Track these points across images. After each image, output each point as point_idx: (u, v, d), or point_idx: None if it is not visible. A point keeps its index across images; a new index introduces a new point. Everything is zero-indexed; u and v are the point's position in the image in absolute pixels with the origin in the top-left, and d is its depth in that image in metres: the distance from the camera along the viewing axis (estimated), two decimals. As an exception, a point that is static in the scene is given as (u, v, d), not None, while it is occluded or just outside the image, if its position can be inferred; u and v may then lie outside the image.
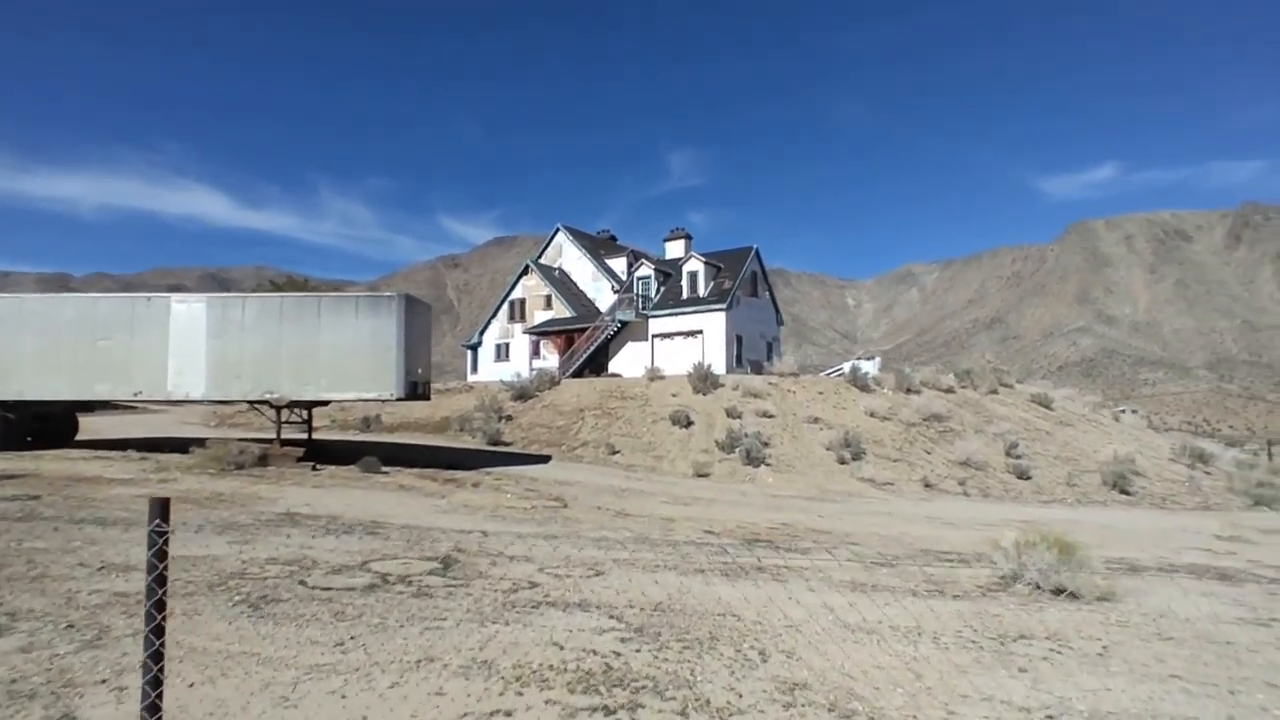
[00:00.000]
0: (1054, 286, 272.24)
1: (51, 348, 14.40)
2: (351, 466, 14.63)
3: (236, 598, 5.30)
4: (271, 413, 15.16)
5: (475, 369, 44.33)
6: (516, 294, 43.21)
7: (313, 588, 5.75)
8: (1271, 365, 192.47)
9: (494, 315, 44.36)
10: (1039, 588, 6.77)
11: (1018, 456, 21.17)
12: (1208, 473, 22.70)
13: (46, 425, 15.71)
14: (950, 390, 27.52)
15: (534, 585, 6.23)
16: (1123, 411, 33.41)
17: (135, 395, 14.57)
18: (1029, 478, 20.04)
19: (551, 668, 4.21)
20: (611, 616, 5.33)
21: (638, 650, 4.60)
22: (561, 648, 4.56)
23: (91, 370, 14.45)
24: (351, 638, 4.52)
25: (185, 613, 4.87)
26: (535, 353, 40.59)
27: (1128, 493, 19.68)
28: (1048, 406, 27.81)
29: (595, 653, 4.52)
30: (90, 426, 21.17)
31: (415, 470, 15.15)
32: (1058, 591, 6.64)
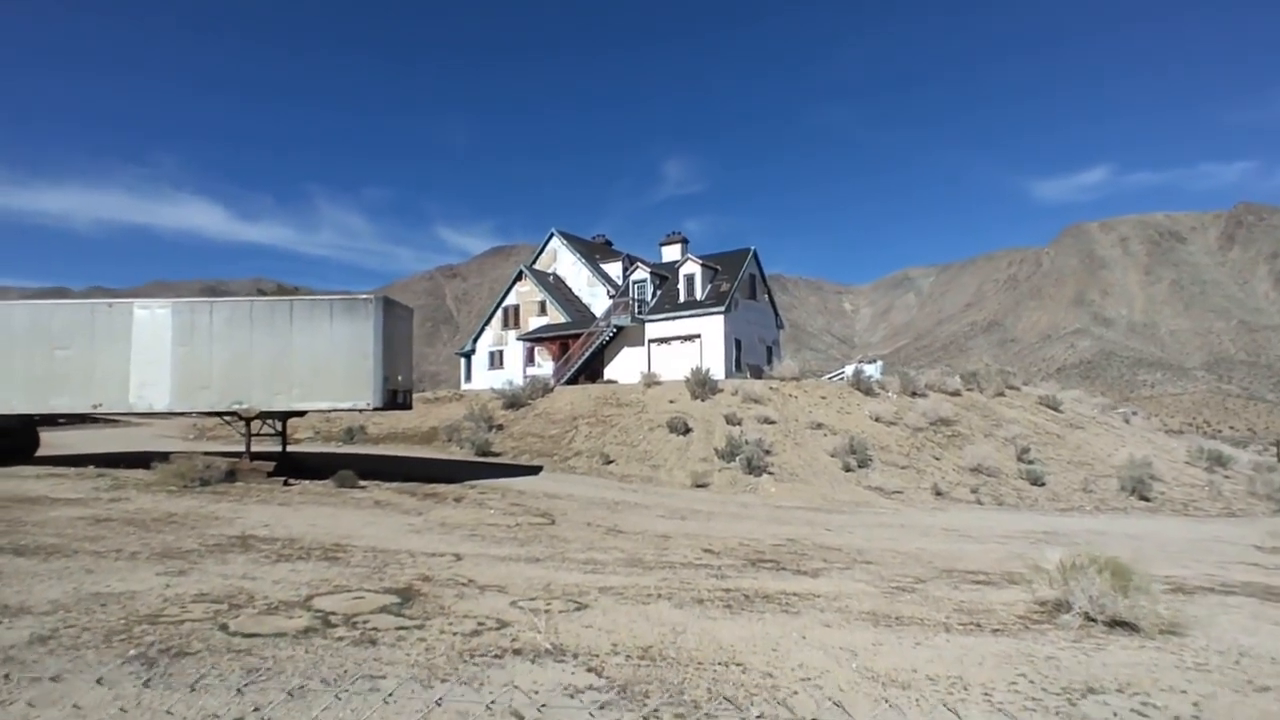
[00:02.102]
0: (1050, 289, 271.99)
1: (4, 359, 13.44)
2: (327, 481, 13.70)
3: (132, 651, 4.36)
4: (242, 425, 14.20)
5: (469, 377, 43.40)
6: (510, 300, 42.31)
7: (234, 634, 4.81)
8: (1270, 365, 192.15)
9: (487, 322, 43.45)
10: (1091, 619, 5.84)
11: (1030, 462, 20.28)
12: (1227, 476, 21.82)
13: (3, 441, 14.72)
14: (956, 393, 26.66)
15: (502, 625, 5.30)
16: (1134, 414, 32.55)
17: (95, 408, 13.61)
18: (1043, 484, 19.14)
19: (507, 749, 3.29)
20: (590, 669, 4.40)
21: None
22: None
23: (48, 382, 13.50)
24: (255, 710, 3.59)
25: (56, 674, 3.93)
26: (529, 360, 39.67)
27: (1147, 498, 18.80)
28: (1057, 409, 26.96)
29: (566, 724, 3.59)
30: (61, 441, 20.22)
31: (394, 485, 14.21)
32: (1113, 623, 5.73)
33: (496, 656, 4.56)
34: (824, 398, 25.18)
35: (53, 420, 22.92)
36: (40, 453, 15.88)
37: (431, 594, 6.19)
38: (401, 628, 5.13)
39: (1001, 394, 27.89)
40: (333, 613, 5.45)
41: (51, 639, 4.56)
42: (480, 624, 5.30)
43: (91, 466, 14.23)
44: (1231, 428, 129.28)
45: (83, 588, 5.87)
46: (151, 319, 13.40)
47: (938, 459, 20.51)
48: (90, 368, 13.38)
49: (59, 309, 13.95)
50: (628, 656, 4.67)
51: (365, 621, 5.24)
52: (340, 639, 4.80)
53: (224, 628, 4.94)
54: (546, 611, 5.77)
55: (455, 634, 5.03)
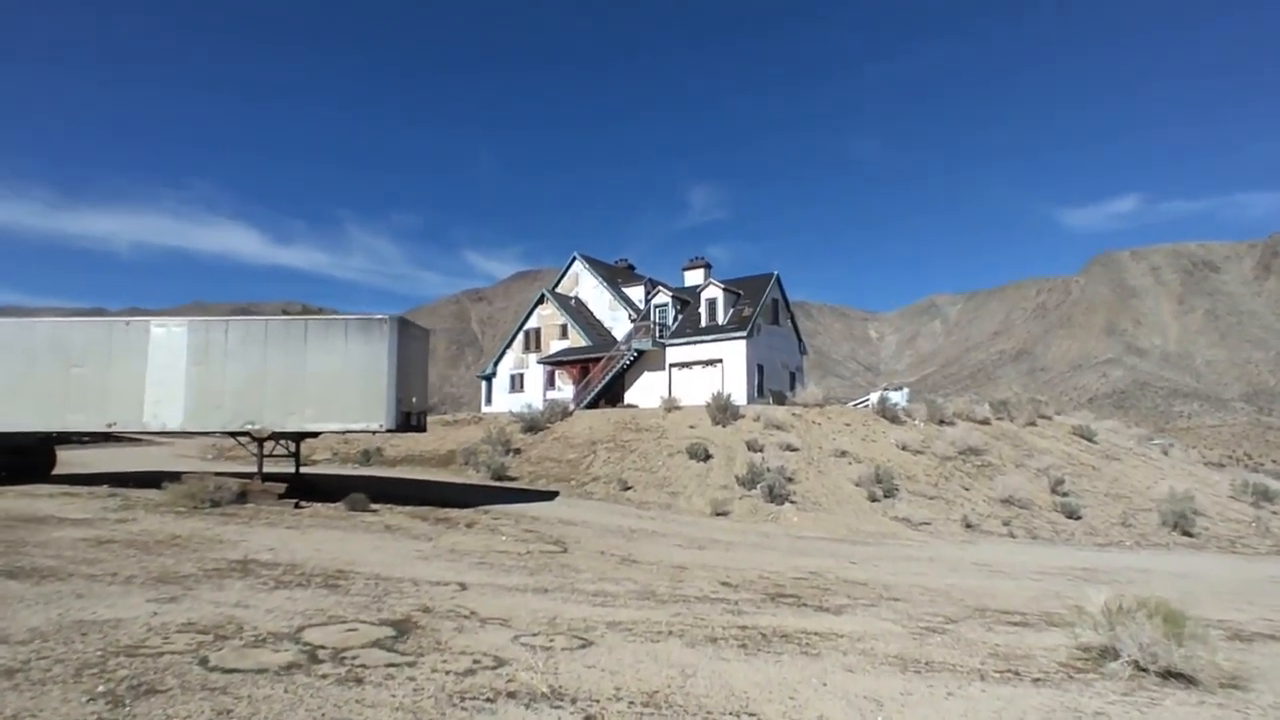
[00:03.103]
0: (1081, 318, 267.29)
1: (23, 376, 13.46)
2: (338, 504, 13.47)
3: (101, 688, 4.07)
4: (256, 445, 14.06)
5: (489, 400, 43.30)
6: (532, 323, 42.29)
7: (213, 669, 4.51)
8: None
9: (509, 345, 43.43)
10: (1141, 668, 5.33)
11: (1064, 494, 19.50)
12: (1275, 512, 20.80)
13: (19, 459, 14.73)
14: (986, 422, 25.89)
15: (500, 663, 4.94)
16: (1170, 445, 31.42)
17: (109, 426, 13.56)
18: (1079, 517, 18.35)
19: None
20: (588, 716, 4.02)
21: (617, 778, 3.30)
22: (509, 776, 3.27)
23: (65, 400, 13.49)
24: (215, 760, 3.27)
25: (15, 714, 3.65)
26: (550, 383, 39.50)
27: (1190, 534, 17.92)
28: (1091, 440, 26.05)
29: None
30: (80, 460, 20.31)
31: (407, 508, 13.94)
32: (1167, 674, 5.22)
33: (489, 700, 4.21)
34: (848, 425, 24.59)
35: (78, 439, 23.11)
36: (58, 471, 15.88)
37: (429, 627, 5.85)
38: (392, 665, 4.80)
39: (1033, 423, 27.05)
40: (322, 646, 5.14)
41: (20, 672, 4.29)
42: (476, 662, 4.96)
43: (105, 486, 14.16)
44: (1274, 461, 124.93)
45: (67, 615, 5.63)
46: (168, 337, 13.37)
47: (967, 490, 19.81)
48: (106, 386, 13.36)
49: (78, 326, 14.00)
50: (630, 703, 4.28)
51: (354, 657, 4.92)
52: (324, 677, 4.48)
53: (204, 662, 4.65)
54: (548, 648, 5.41)
55: (448, 673, 4.69)
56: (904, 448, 22.25)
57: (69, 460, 18.23)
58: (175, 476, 13.25)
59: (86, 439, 25.94)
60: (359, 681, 4.41)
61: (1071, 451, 24.33)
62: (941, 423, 24.96)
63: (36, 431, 14.13)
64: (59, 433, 14.91)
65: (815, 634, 6.40)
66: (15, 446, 14.51)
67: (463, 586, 7.75)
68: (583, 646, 5.52)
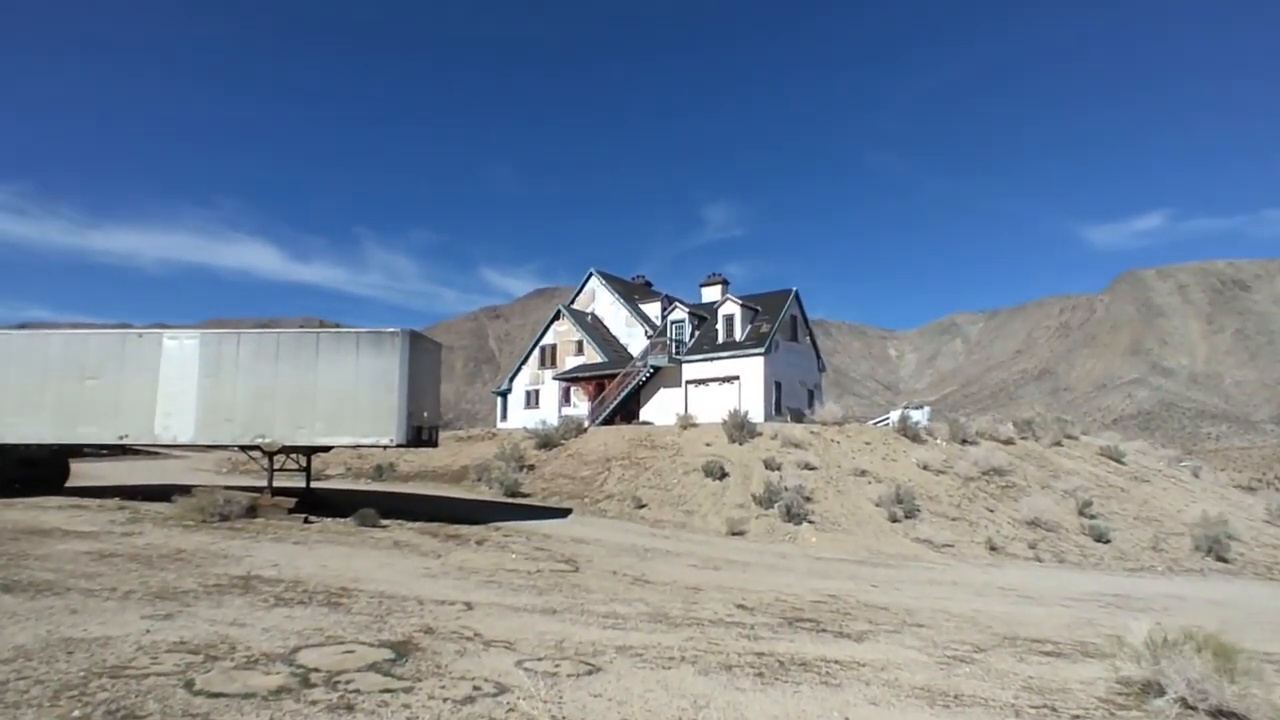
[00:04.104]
0: (1105, 337, 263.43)
1: (37, 388, 13.47)
2: (348, 519, 13.28)
3: (75, 713, 3.85)
4: (267, 459, 13.94)
5: (505, 416, 43.19)
6: (548, 340, 42.22)
7: (198, 692, 4.28)
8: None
9: (524, 361, 43.37)
10: (1189, 706, 4.95)
11: (1092, 516, 18.90)
12: (1314, 538, 20.01)
13: (33, 470, 14.72)
14: (1010, 441, 25.30)
15: (501, 690, 4.67)
16: (1200, 467, 30.54)
17: (121, 438, 13.51)
18: (1108, 541, 17.75)
19: None
20: (591, 753, 3.74)
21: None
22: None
23: (77, 412, 13.47)
24: (184, 796, 3.03)
25: (-23, 741, 3.44)
26: (565, 399, 39.32)
27: (1225, 559, 17.26)
28: (1119, 461, 25.35)
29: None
30: (95, 473, 20.36)
31: (417, 525, 13.72)
32: (1218, 714, 4.83)
33: (485, 732, 3.94)
34: (868, 444, 24.12)
35: (95, 451, 23.22)
36: (71, 483, 15.86)
37: (430, 649, 5.60)
38: (387, 690, 4.54)
39: (1059, 444, 26.40)
40: (315, 669, 4.89)
41: (-5, 693, 4.09)
42: (476, 688, 4.69)
43: (115, 499, 14.10)
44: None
45: (57, 631, 5.44)
46: (180, 350, 13.34)
47: (991, 511, 19.26)
48: (118, 398, 13.33)
49: (92, 338, 14.02)
50: (638, 738, 3.99)
51: (349, 681, 4.67)
52: (314, 703, 4.23)
53: (189, 685, 4.42)
54: (553, 674, 5.12)
55: (445, 700, 4.42)
56: (925, 467, 21.75)
57: (84, 473, 18.26)
58: (186, 490, 13.15)
59: (105, 452, 26.12)
60: (350, 709, 4.16)
61: (1099, 473, 23.66)
62: (964, 442, 24.41)
63: (46, 443, 14.12)
64: (72, 445, 14.89)
65: (836, 662, 6.07)
66: (28, 458, 14.52)
67: (469, 606, 7.49)
68: (590, 673, 5.24)
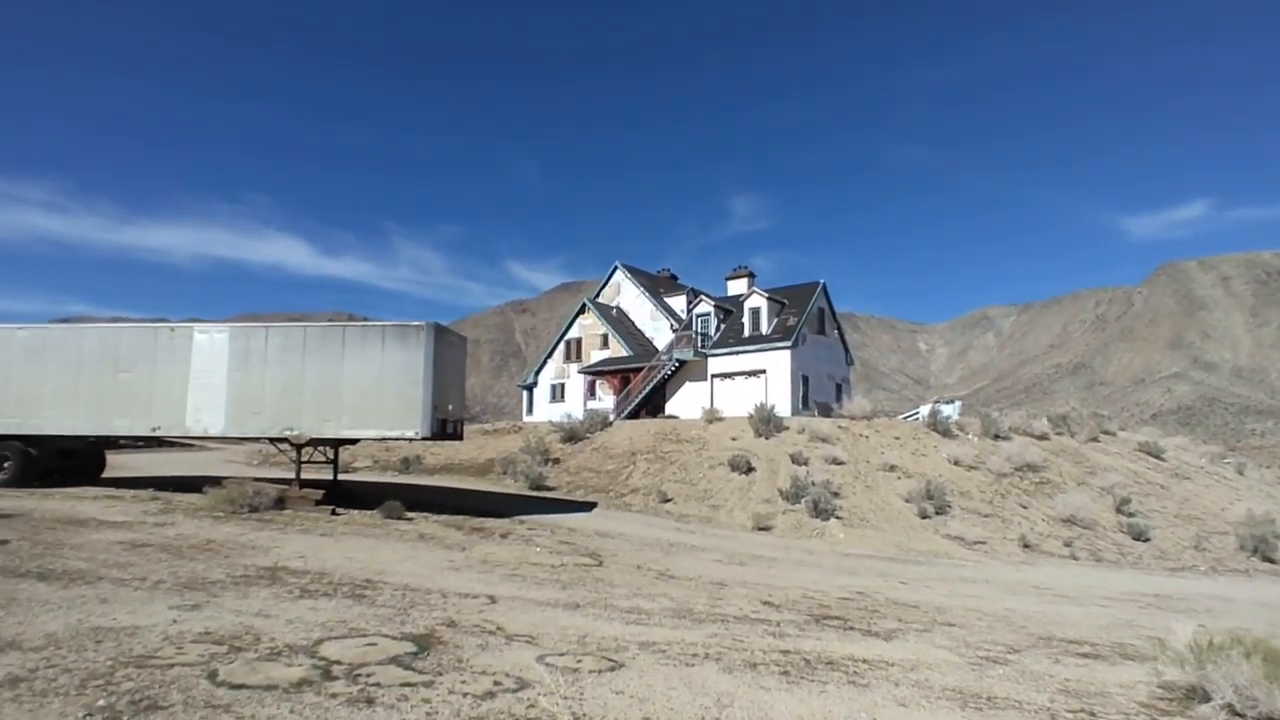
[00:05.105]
0: (1143, 330, 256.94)
1: (73, 380, 13.80)
2: (374, 512, 13.40)
3: (101, 702, 3.87)
4: (295, 451, 14.11)
5: (530, 410, 43.37)
6: (573, 333, 42.27)
7: (220, 684, 4.29)
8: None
9: (550, 355, 43.49)
10: (1237, 713, 4.73)
11: (1131, 514, 18.40)
12: (1366, 538, 19.26)
13: (71, 461, 15.09)
14: (1044, 437, 24.73)
15: (521, 685, 4.61)
16: (1244, 464, 29.61)
17: (153, 431, 13.78)
18: (1147, 539, 17.26)
19: None
20: (611, 753, 3.66)
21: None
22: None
23: (111, 404, 13.76)
24: (200, 790, 3.00)
25: (-1, 730, 3.46)
26: (590, 393, 39.35)
27: (1272, 560, 16.70)
28: (1159, 457, 24.66)
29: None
30: (132, 464, 20.82)
31: (442, 518, 13.79)
32: (1270, 723, 4.60)
33: (504, 729, 3.88)
34: (897, 438, 23.75)
35: (132, 442, 23.75)
36: (107, 474, 16.23)
37: (452, 643, 5.57)
38: (407, 684, 4.51)
39: (1095, 439, 25.75)
40: (337, 661, 4.88)
41: (24, 681, 4.13)
42: (497, 683, 4.64)
43: (150, 490, 14.37)
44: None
45: (87, 620, 5.50)
46: (210, 343, 13.54)
47: (1025, 508, 18.85)
48: (151, 391, 13.58)
49: (125, 332, 14.30)
50: (659, 738, 3.91)
51: (369, 675, 4.65)
52: (334, 696, 4.21)
53: (212, 676, 4.43)
54: (575, 670, 5.06)
55: (465, 695, 4.38)
56: (957, 463, 21.36)
57: (120, 464, 18.67)
58: (216, 481, 13.35)
59: (140, 443, 26.72)
60: (370, 702, 4.13)
61: (1138, 469, 23.05)
62: (996, 437, 23.92)
63: (82, 435, 14.44)
64: (107, 436, 15.22)
65: (863, 661, 5.92)
66: (66, 450, 14.87)
67: (492, 600, 7.47)
68: (612, 669, 5.16)
